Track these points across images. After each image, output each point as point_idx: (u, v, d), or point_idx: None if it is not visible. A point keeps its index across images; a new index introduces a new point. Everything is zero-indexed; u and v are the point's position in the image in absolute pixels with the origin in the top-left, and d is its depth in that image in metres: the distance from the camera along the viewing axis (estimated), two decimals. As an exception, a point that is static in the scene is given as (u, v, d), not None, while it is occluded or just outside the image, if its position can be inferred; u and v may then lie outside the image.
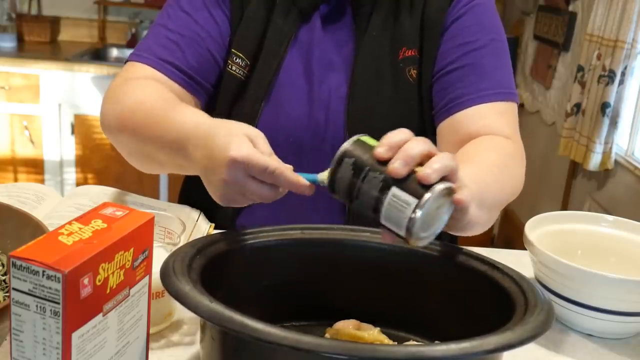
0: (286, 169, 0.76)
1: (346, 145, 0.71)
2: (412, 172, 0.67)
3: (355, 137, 0.71)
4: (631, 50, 2.60)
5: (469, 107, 1.02)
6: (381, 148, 0.69)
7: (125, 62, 1.06)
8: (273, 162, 0.75)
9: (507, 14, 4.01)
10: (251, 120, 1.04)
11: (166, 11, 1.07)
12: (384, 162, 0.68)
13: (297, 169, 1.07)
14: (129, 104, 0.96)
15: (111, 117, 0.99)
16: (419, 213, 0.65)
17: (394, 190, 0.66)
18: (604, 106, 2.66)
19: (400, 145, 0.69)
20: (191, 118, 0.87)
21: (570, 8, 3.26)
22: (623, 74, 2.62)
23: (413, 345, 0.71)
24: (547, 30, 3.51)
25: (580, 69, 2.87)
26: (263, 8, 1.06)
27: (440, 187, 0.66)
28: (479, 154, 0.94)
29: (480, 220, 0.83)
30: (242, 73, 1.05)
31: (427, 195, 0.65)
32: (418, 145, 0.68)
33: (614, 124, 2.68)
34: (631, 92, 2.69)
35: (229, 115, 1.06)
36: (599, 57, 2.71)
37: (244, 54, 1.05)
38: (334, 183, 0.71)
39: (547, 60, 3.48)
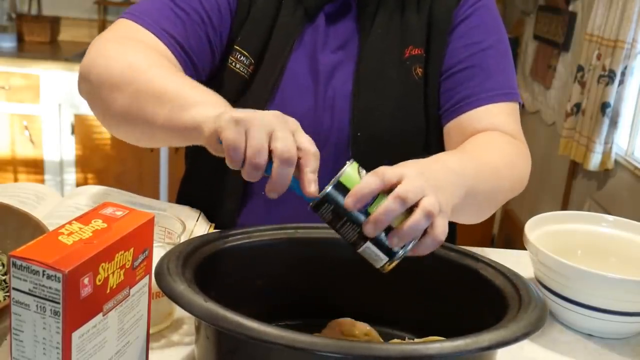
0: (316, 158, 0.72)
1: (327, 189, 0.69)
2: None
3: (338, 177, 0.69)
4: (631, 50, 2.60)
5: (477, 107, 1.04)
6: (350, 199, 0.68)
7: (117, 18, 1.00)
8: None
9: (507, 14, 4.01)
10: None
11: None
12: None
13: None
14: (132, 61, 0.90)
15: (110, 70, 0.91)
16: (388, 267, 0.71)
17: (368, 244, 0.70)
18: (604, 106, 2.66)
19: (372, 194, 0.68)
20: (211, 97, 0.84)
21: (570, 8, 3.26)
22: (623, 74, 2.62)
23: (407, 344, 0.70)
24: (547, 30, 3.51)
25: (580, 69, 2.87)
26: (270, 7, 1.05)
27: (409, 248, 0.70)
28: (481, 148, 0.96)
29: (469, 210, 0.89)
30: (245, 72, 1.04)
31: (396, 258, 0.70)
32: (395, 207, 0.67)
33: (614, 124, 2.68)
34: (631, 92, 2.69)
35: None
36: (599, 57, 2.71)
37: (248, 52, 1.04)
38: (317, 213, 0.72)
39: (547, 60, 3.48)
